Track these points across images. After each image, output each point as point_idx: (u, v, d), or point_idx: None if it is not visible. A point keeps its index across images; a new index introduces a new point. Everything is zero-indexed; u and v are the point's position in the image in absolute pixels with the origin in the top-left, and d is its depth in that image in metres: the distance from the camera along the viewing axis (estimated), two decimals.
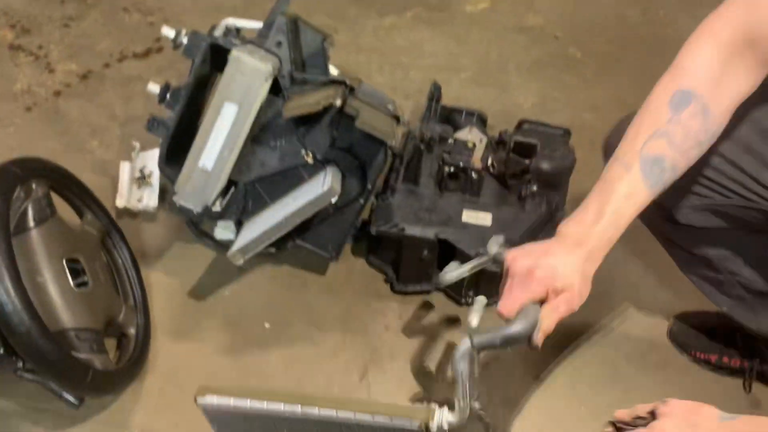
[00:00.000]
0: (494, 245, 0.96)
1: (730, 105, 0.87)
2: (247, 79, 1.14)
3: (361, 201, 1.33)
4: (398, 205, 1.38)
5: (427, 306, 1.42)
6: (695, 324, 1.36)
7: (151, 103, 1.37)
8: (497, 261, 0.95)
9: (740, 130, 0.96)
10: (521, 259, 0.89)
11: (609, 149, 0.99)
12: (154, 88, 1.33)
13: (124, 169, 1.54)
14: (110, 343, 1.28)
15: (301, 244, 1.37)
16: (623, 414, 0.77)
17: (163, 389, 1.29)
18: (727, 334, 1.30)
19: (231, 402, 0.93)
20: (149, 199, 1.53)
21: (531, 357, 1.31)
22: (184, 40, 1.28)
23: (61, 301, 1.13)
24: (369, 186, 1.32)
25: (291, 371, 1.32)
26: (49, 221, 1.18)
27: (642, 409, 0.76)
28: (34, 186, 1.17)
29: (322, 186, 1.21)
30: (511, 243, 1.01)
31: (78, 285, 1.18)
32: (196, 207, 1.20)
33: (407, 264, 1.39)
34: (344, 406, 0.91)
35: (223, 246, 1.46)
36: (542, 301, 0.87)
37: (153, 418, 1.25)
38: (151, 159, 1.57)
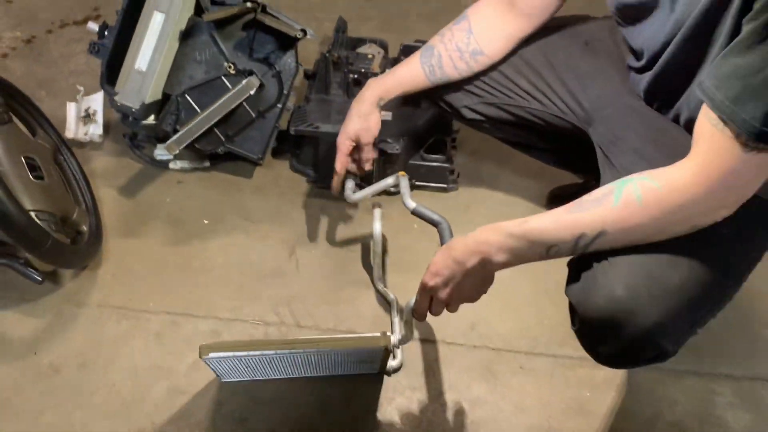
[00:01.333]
0: (408, 198, 1.27)
1: (492, 36, 1.21)
2: None
3: (279, 105, 1.56)
4: (312, 110, 1.60)
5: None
6: (565, 193, 1.61)
7: (91, 58, 1.57)
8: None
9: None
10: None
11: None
12: (94, 26, 1.54)
13: (71, 108, 1.74)
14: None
15: (230, 148, 1.58)
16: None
17: (116, 274, 1.47)
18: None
19: (230, 354, 1.11)
20: (95, 131, 1.73)
21: None
22: None
23: (21, 186, 1.31)
24: (285, 90, 1.54)
25: (228, 254, 1.52)
26: (7, 125, 1.37)
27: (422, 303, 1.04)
28: None
29: (242, 82, 1.43)
30: (412, 133, 1.52)
31: (35, 177, 1.36)
32: (134, 104, 1.40)
33: (324, 160, 1.60)
34: (322, 344, 1.12)
35: (163, 165, 1.67)
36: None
37: (108, 295, 1.43)
38: (94, 101, 1.77)
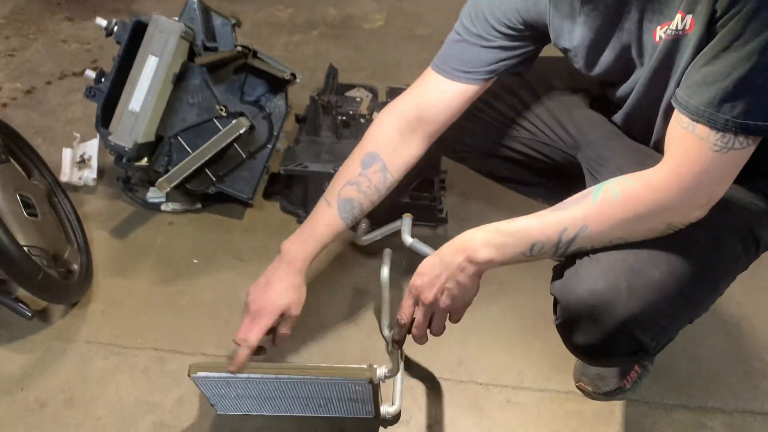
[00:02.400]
0: (407, 235, 1.37)
1: (404, 164, 1.27)
2: (165, 34, 1.50)
3: (269, 146, 1.67)
4: (302, 150, 1.71)
5: None
6: None
7: (87, 107, 1.69)
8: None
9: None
10: (251, 299, 1.25)
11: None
12: (91, 73, 1.67)
13: (66, 153, 1.85)
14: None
15: (221, 188, 1.69)
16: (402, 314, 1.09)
17: (105, 311, 1.55)
18: None
19: (218, 375, 1.19)
20: (89, 175, 1.84)
21: None
22: (115, 27, 1.64)
23: (15, 222, 1.40)
24: (275, 132, 1.66)
25: (216, 291, 1.59)
26: (4, 165, 1.48)
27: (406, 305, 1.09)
28: None
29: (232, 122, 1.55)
30: None
31: (29, 214, 1.46)
32: (127, 143, 1.51)
33: (314, 200, 1.68)
34: (308, 371, 1.19)
35: (155, 207, 1.77)
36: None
37: (96, 331, 1.50)
38: (89, 147, 1.89)
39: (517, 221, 1.00)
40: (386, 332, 1.49)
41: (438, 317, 1.08)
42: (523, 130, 1.34)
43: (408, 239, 1.34)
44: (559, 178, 1.41)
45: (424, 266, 1.06)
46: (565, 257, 1.04)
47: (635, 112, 1.12)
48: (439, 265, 1.03)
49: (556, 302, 1.07)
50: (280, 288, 1.23)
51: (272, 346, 1.28)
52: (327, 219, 1.26)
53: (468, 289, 1.04)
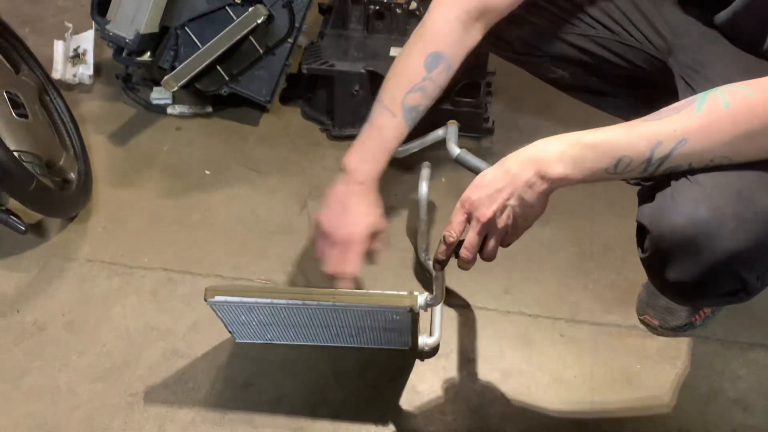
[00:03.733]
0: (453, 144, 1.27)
1: (464, 56, 1.16)
2: None
3: (290, 40, 1.55)
4: (327, 46, 1.59)
5: None
6: None
7: None
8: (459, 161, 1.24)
9: None
10: (333, 227, 1.15)
11: None
12: None
13: (58, 47, 1.75)
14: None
15: (234, 89, 1.58)
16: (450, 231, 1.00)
17: (107, 227, 1.48)
18: None
19: (239, 300, 1.12)
20: (85, 71, 1.74)
21: None
22: None
23: (2, 124, 1.32)
24: (297, 24, 1.54)
25: (232, 206, 1.52)
26: None
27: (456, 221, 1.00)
28: None
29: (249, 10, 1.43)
30: None
31: (18, 115, 1.37)
32: (128, 34, 1.40)
33: (341, 105, 1.60)
34: (340, 297, 1.12)
35: (160, 110, 1.67)
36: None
37: (98, 249, 1.44)
38: (84, 39, 1.78)
39: (600, 131, 0.90)
40: (423, 256, 1.41)
41: (493, 239, 1.00)
42: (601, 27, 1.21)
43: (455, 149, 1.24)
44: (636, 88, 1.30)
45: (483, 178, 0.96)
46: (653, 179, 0.95)
47: (746, 11, 0.99)
48: (503, 178, 0.94)
49: (642, 231, 0.98)
50: (361, 210, 1.17)
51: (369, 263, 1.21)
52: (395, 131, 1.17)
53: (533, 209, 0.96)
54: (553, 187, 0.93)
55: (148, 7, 1.41)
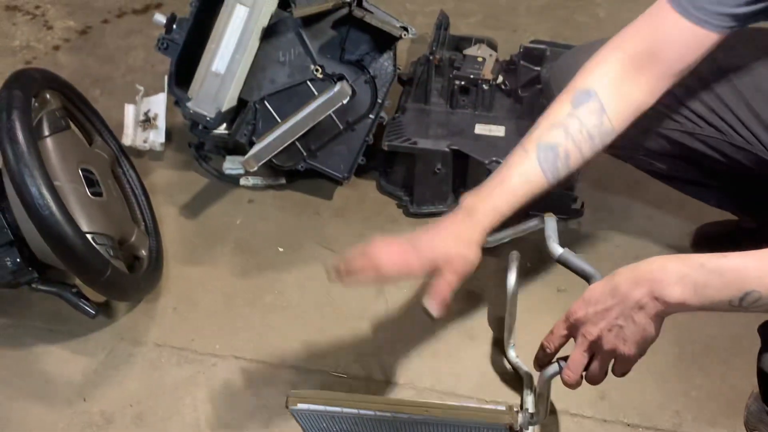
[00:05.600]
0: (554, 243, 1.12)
1: (627, 110, 1.04)
2: None
3: (372, 116, 1.50)
4: (409, 122, 1.54)
5: None
6: (716, 232, 1.50)
7: (151, 54, 1.54)
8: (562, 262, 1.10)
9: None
10: (422, 243, 1.02)
11: (552, 79, 1.23)
12: (161, 18, 1.51)
13: (129, 111, 1.73)
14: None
15: (312, 164, 1.53)
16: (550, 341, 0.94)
17: (177, 308, 1.43)
18: (749, 231, 1.44)
19: (322, 408, 1.06)
20: (156, 138, 1.71)
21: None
22: None
23: (77, 205, 1.28)
24: (379, 100, 1.49)
25: (306, 288, 1.46)
26: (64, 132, 1.35)
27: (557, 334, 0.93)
28: (48, 97, 1.34)
29: (333, 89, 1.38)
30: None
31: (93, 194, 1.34)
32: (210, 112, 1.36)
33: (421, 182, 1.54)
34: (433, 410, 1.05)
35: (232, 181, 1.64)
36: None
37: (168, 333, 1.39)
38: (155, 103, 1.76)
39: (728, 258, 0.81)
40: (512, 353, 1.33)
41: (600, 361, 0.92)
42: (706, 125, 1.14)
43: (557, 249, 1.14)
44: (740, 181, 1.22)
45: (591, 292, 0.90)
46: None
47: None
48: (612, 296, 0.87)
49: (764, 376, 0.90)
50: (449, 235, 1.02)
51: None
52: (521, 167, 1.03)
53: (645, 332, 0.87)
54: (668, 311, 0.85)
55: (231, 85, 1.37)
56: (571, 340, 0.94)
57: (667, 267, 0.84)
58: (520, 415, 1.05)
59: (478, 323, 1.40)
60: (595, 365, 0.92)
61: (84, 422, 1.26)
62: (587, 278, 1.01)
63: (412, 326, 1.40)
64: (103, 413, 1.27)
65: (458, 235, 1.02)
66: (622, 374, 0.92)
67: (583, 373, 0.95)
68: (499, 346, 1.36)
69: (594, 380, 0.94)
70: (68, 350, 1.37)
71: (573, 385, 0.96)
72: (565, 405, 1.28)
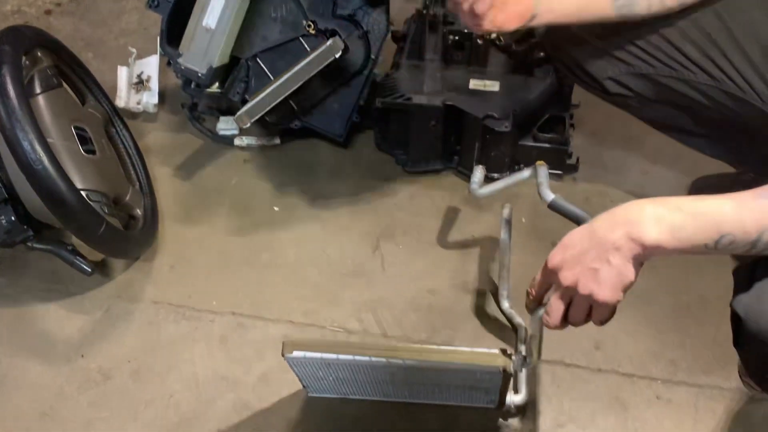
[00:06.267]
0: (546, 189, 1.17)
1: None
2: None
3: (366, 72, 1.50)
4: (403, 78, 1.53)
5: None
6: (713, 185, 1.50)
7: (144, 16, 1.53)
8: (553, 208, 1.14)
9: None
10: None
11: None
12: None
13: (122, 73, 1.72)
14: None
15: (306, 123, 1.54)
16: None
17: (174, 267, 1.44)
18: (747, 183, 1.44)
19: (319, 355, 1.07)
20: (149, 99, 1.71)
21: None
22: None
23: (71, 161, 1.28)
24: (373, 55, 1.48)
25: (302, 246, 1.47)
26: (56, 90, 1.35)
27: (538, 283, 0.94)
28: (39, 55, 1.34)
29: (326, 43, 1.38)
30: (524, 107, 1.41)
31: (86, 151, 1.34)
32: (201, 68, 1.36)
33: (416, 139, 1.54)
34: (427, 355, 1.07)
35: (226, 141, 1.64)
36: None
37: (165, 291, 1.40)
38: (148, 65, 1.76)
39: (705, 201, 0.81)
40: (505, 305, 1.34)
41: (577, 306, 0.91)
42: (700, 71, 1.14)
43: (548, 195, 1.15)
44: (731, 131, 1.22)
45: (570, 237, 0.89)
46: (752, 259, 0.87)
47: None
48: (589, 239, 0.86)
49: (736, 319, 0.90)
50: None
51: None
52: None
53: (621, 275, 0.85)
54: (645, 254, 0.84)
55: (222, 40, 1.37)
56: None
57: (644, 209, 0.83)
58: (513, 357, 1.06)
59: (473, 277, 1.41)
60: (573, 310, 0.92)
61: (82, 378, 1.27)
62: (578, 222, 1.02)
63: (407, 282, 1.41)
64: (100, 369, 1.29)
65: None
66: (602, 322, 0.91)
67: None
68: (493, 298, 1.37)
69: (574, 323, 0.94)
70: (65, 309, 1.37)
71: (556, 328, 0.95)
72: (560, 355, 1.29)
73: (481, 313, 1.36)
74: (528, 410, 1.22)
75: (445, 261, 1.44)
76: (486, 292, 1.39)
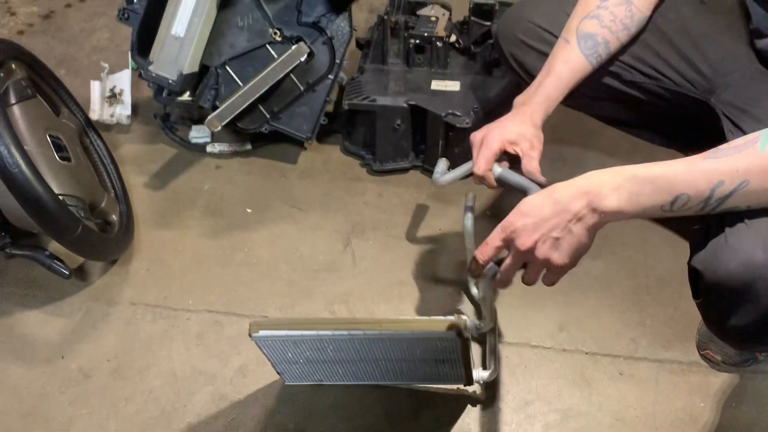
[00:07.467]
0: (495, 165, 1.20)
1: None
2: None
3: (331, 76, 1.56)
4: (368, 81, 1.60)
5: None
6: None
7: (115, 33, 1.58)
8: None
9: None
10: (477, 132, 1.16)
11: (499, 32, 1.33)
12: None
13: (95, 87, 1.77)
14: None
15: (275, 126, 1.59)
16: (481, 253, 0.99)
17: (150, 269, 1.48)
18: None
19: (283, 333, 1.11)
20: (122, 111, 1.76)
21: None
22: None
23: (47, 167, 1.33)
24: (337, 60, 1.55)
25: (275, 245, 1.52)
26: (31, 101, 1.40)
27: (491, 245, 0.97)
28: (14, 67, 1.39)
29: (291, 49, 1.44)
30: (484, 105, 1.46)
31: (61, 158, 1.39)
32: (171, 74, 1.41)
33: (382, 140, 1.60)
34: (386, 325, 1.11)
35: (199, 149, 1.69)
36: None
37: (142, 292, 1.44)
38: (120, 79, 1.81)
39: (658, 165, 0.88)
40: (474, 291, 1.40)
41: (532, 269, 0.96)
42: (639, 74, 1.21)
43: (496, 169, 1.20)
44: (679, 122, 1.29)
45: (529, 204, 0.93)
46: (705, 222, 0.93)
47: None
48: (551, 207, 0.90)
49: (695, 275, 0.96)
50: (510, 123, 1.14)
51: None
52: (565, 55, 1.15)
53: (579, 243, 0.92)
54: (604, 221, 0.90)
55: (191, 48, 1.43)
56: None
57: (603, 179, 0.89)
58: (467, 321, 1.09)
59: (442, 268, 1.47)
60: (528, 273, 0.96)
61: (63, 378, 1.31)
62: (525, 191, 1.07)
63: (378, 275, 1.46)
64: (81, 369, 1.32)
65: (523, 121, 1.14)
66: (552, 283, 0.97)
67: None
68: (461, 286, 1.43)
69: (528, 283, 0.98)
70: (45, 313, 1.41)
71: (504, 286, 1.01)
72: (525, 337, 1.35)
73: (450, 300, 1.41)
74: (495, 389, 1.27)
75: (413, 254, 1.50)
76: (454, 281, 1.45)
